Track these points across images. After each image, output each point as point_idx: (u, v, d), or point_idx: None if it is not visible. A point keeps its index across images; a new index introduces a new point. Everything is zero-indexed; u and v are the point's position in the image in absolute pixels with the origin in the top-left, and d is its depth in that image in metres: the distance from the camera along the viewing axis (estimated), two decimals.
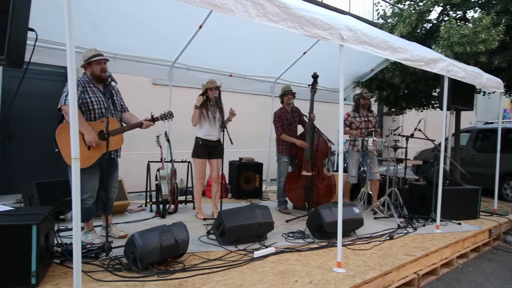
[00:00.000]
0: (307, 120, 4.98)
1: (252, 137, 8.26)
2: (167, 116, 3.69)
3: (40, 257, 2.49)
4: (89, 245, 3.13)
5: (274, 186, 5.77)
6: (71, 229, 3.79)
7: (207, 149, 4.61)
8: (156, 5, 4.04)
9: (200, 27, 4.55)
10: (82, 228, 3.49)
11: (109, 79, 3.30)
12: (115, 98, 3.51)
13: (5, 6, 1.96)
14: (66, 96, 3.15)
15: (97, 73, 3.37)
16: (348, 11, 11.75)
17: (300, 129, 5.27)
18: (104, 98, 3.40)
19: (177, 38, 4.83)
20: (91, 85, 3.38)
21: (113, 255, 3.04)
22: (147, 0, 3.96)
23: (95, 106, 3.32)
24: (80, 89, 3.23)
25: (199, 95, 4.59)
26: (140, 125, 3.47)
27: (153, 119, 3.54)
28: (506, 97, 7.03)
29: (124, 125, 3.52)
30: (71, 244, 3.08)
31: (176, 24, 4.46)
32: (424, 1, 6.37)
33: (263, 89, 6.77)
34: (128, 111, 3.72)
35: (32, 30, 2.26)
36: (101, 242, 3.25)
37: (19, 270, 2.44)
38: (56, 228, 3.53)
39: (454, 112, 6.61)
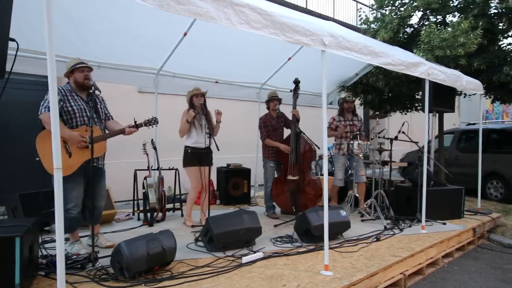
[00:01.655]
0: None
1: (240, 143, 8.28)
2: (151, 122, 3.63)
3: (24, 270, 2.46)
4: (74, 256, 3.09)
5: (262, 191, 5.79)
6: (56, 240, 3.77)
7: (197, 157, 4.60)
8: (140, 13, 4.04)
9: (185, 34, 4.58)
10: (68, 239, 3.45)
11: (93, 88, 3.29)
12: (98, 106, 3.49)
13: None
14: (43, 105, 3.15)
15: (80, 80, 3.35)
16: (332, 16, 11.93)
17: (286, 134, 5.31)
18: (87, 107, 3.38)
19: (162, 45, 4.84)
20: (73, 94, 3.36)
21: (100, 265, 3.01)
22: (132, 8, 3.96)
23: (77, 114, 3.31)
24: (59, 98, 3.20)
25: (187, 109, 4.59)
26: (122, 131, 3.44)
27: (136, 126, 3.51)
28: (486, 98, 7.21)
29: (107, 132, 3.50)
30: (56, 255, 3.05)
31: (161, 31, 4.47)
32: (405, 7, 6.53)
33: (249, 95, 6.81)
34: (112, 119, 3.69)
35: (13, 40, 2.25)
36: (87, 253, 3.21)
37: (2, 283, 2.40)
38: (41, 240, 3.49)
39: (437, 114, 6.74)
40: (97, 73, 4.64)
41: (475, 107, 15.78)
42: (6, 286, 2.40)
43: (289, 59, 5.79)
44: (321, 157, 7.58)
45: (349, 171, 6.28)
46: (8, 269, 2.40)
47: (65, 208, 3.22)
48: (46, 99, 3.19)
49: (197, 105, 4.52)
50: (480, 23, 5.58)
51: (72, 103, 3.31)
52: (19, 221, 3.14)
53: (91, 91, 3.40)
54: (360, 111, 7.18)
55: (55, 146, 1.95)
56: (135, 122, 3.52)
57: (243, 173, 6.35)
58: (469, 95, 7.26)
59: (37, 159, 3.12)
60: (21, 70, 4.04)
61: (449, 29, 5.46)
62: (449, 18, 6.51)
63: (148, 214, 4.71)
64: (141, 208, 4.90)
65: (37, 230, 2.92)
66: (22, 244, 2.45)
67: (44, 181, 3.35)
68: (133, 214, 5.12)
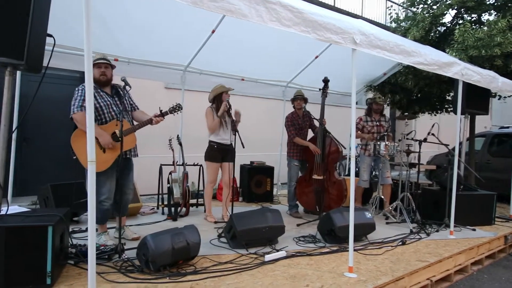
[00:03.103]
0: (317, 125, 4.98)
1: (263, 140, 8.28)
2: (176, 109, 3.67)
3: (55, 258, 2.54)
4: (102, 247, 3.17)
5: (285, 190, 5.77)
6: (84, 231, 3.88)
7: (221, 153, 4.63)
8: (169, 10, 4.10)
9: (213, 31, 4.60)
10: (96, 230, 3.54)
11: (124, 83, 3.36)
12: (123, 99, 3.56)
13: (25, 14, 2.02)
14: (74, 105, 3.23)
15: (96, 76, 3.42)
16: (360, 14, 11.71)
17: (310, 134, 5.26)
18: (112, 101, 3.47)
19: (190, 42, 4.88)
20: (98, 90, 3.44)
21: (126, 257, 3.08)
22: (161, 5, 4.02)
23: (104, 110, 3.39)
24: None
25: (210, 107, 4.62)
26: (150, 121, 3.51)
27: (162, 114, 3.56)
28: None
29: (136, 123, 3.58)
30: (85, 245, 3.14)
31: (189, 29, 4.51)
32: (438, 5, 6.32)
33: (275, 93, 6.78)
34: (138, 109, 3.77)
35: (50, 36, 2.33)
36: (114, 244, 3.29)
37: (34, 270, 2.49)
38: (70, 230, 3.60)
39: (469, 116, 6.51)
40: (126, 69, 4.75)
41: (508, 110, 15.17)
42: (38, 273, 2.49)
43: (316, 57, 5.72)
44: (345, 158, 7.52)
45: (374, 172, 6.16)
46: (40, 256, 2.48)
47: (98, 200, 3.32)
48: (76, 98, 3.27)
49: (224, 100, 4.53)
50: None
51: (99, 100, 3.39)
52: (51, 210, 3.25)
53: (116, 85, 3.47)
54: (387, 111, 7.03)
55: (90, 140, 1.99)
56: (161, 111, 3.58)
57: (266, 171, 6.34)
58: (504, 97, 6.97)
59: (74, 157, 3.22)
60: (53, 65, 4.18)
61: (484, 28, 5.25)
62: (485, 16, 6.26)
63: (172, 209, 4.79)
64: (166, 203, 4.98)
65: (68, 220, 3.01)
66: (54, 233, 2.53)
67: (75, 173, 3.46)
68: (158, 208, 5.21)
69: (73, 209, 4.10)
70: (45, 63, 2.36)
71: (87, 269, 2.12)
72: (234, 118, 4.57)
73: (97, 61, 3.45)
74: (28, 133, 6.19)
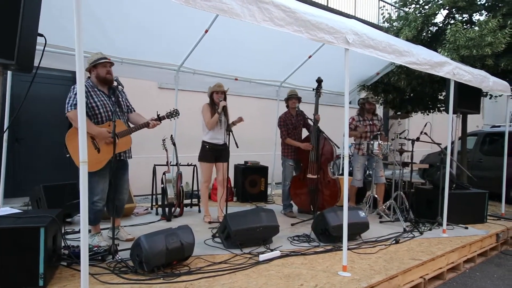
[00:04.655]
0: (311, 123, 4.99)
1: (257, 140, 8.28)
2: (173, 114, 3.70)
3: (47, 259, 2.52)
4: (95, 248, 3.15)
5: (279, 189, 5.78)
6: (78, 232, 3.85)
7: (214, 153, 4.62)
8: (163, 10, 4.09)
9: (206, 31, 4.59)
10: (89, 231, 3.52)
11: (116, 83, 3.34)
12: (120, 99, 3.54)
13: (15, 13, 2.00)
14: (69, 103, 3.20)
15: (102, 75, 3.40)
16: (353, 14, 11.76)
17: (305, 133, 5.28)
18: (109, 101, 3.43)
19: (183, 42, 4.87)
20: (95, 89, 3.41)
21: (119, 257, 3.06)
22: (155, 5, 4.01)
23: (101, 110, 3.36)
24: None
25: (208, 103, 4.61)
26: (147, 125, 3.51)
27: (159, 118, 3.58)
28: None
29: (132, 125, 3.56)
30: (78, 246, 3.12)
31: (182, 28, 4.50)
32: (429, 5, 6.38)
33: (269, 93, 6.79)
34: (134, 111, 3.75)
35: (41, 35, 2.30)
36: (107, 245, 3.27)
37: (27, 272, 2.47)
38: (63, 231, 3.57)
39: (461, 115, 6.57)
40: (120, 69, 4.72)
41: (501, 109, 15.32)
42: (30, 275, 2.47)
43: (309, 57, 5.74)
44: (338, 157, 7.56)
45: (367, 172, 6.19)
46: (32, 258, 2.46)
47: (92, 201, 3.30)
48: (71, 96, 3.24)
49: (216, 101, 4.52)
50: (509, 22, 5.40)
51: (96, 99, 3.36)
52: (44, 212, 3.22)
53: (114, 85, 3.45)
54: (380, 110, 7.07)
55: (81, 140, 1.98)
56: (158, 115, 3.59)
57: (260, 171, 6.35)
58: (495, 96, 7.05)
59: (67, 155, 3.20)
60: (44, 64, 4.15)
61: (476, 28, 5.31)
62: (476, 16, 6.33)
63: (166, 209, 4.77)
64: (160, 203, 4.96)
65: (60, 221, 2.99)
66: (46, 235, 2.51)
67: (68, 173, 3.44)
68: (152, 209, 5.19)
69: (66, 210, 4.07)
70: (36, 63, 2.34)
71: (80, 270, 2.10)
72: (230, 120, 4.57)
73: (101, 61, 3.41)
74: (21, 133, 6.12)
